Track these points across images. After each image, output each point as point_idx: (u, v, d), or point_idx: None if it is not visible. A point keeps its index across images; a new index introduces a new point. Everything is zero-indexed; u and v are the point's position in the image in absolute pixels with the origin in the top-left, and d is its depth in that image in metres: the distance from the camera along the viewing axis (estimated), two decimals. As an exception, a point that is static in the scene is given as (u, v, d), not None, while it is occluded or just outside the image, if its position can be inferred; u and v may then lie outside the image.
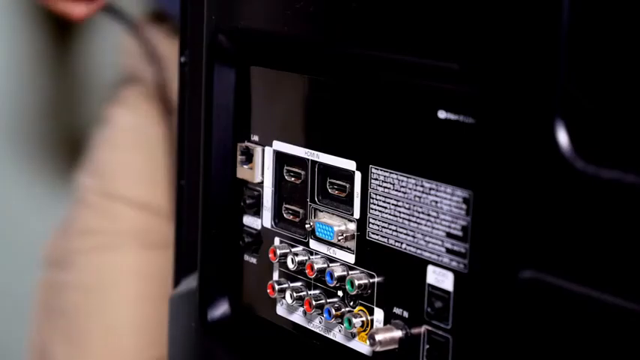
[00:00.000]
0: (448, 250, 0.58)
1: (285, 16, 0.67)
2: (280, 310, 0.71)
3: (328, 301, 0.66)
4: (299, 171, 0.69)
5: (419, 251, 0.60)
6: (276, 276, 0.71)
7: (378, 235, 0.63)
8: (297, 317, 0.70)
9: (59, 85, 1.61)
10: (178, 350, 0.92)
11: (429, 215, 0.59)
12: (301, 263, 0.68)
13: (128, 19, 1.16)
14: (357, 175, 0.64)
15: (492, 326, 0.55)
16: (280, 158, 0.70)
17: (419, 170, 0.60)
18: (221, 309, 0.76)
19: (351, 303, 0.65)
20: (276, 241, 0.71)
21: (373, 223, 0.63)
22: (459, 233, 0.57)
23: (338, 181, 0.66)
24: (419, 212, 0.60)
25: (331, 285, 0.65)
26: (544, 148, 0.51)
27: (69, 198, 1.34)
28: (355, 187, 0.64)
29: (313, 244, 0.68)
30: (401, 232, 0.61)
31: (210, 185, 0.74)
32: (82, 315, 1.19)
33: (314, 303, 0.66)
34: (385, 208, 0.62)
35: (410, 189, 0.60)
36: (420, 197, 0.60)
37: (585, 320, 0.51)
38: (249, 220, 0.73)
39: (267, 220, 0.71)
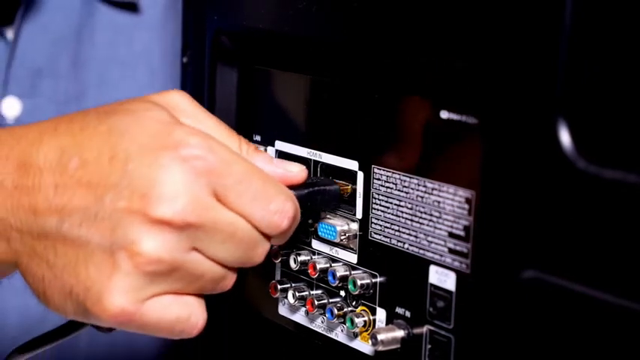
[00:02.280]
0: (450, 250, 0.58)
1: (288, 16, 0.67)
2: (282, 310, 0.71)
3: (330, 300, 0.66)
4: (301, 171, 0.69)
5: (421, 251, 0.60)
6: (278, 276, 0.71)
7: (380, 235, 0.63)
8: (300, 317, 0.70)
9: None
10: (179, 350, 0.92)
11: (431, 215, 0.59)
12: (304, 263, 0.68)
13: None
14: (360, 175, 0.64)
15: (494, 326, 0.55)
16: (282, 158, 0.70)
17: (421, 170, 0.60)
18: (221, 309, 0.76)
19: (354, 303, 0.65)
20: (279, 241, 0.71)
21: (375, 223, 0.63)
22: (462, 233, 0.57)
23: (340, 181, 0.66)
24: (421, 212, 0.60)
25: (333, 285, 0.65)
26: (546, 148, 0.51)
27: None
28: (358, 187, 0.64)
29: (316, 244, 0.68)
30: (403, 232, 0.61)
31: (212, 185, 0.73)
32: None
33: (316, 303, 0.66)
34: (388, 208, 0.62)
35: (412, 189, 0.60)
36: (422, 197, 0.60)
37: (587, 320, 0.51)
38: (251, 220, 0.73)
39: (269, 220, 0.71)
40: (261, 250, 0.60)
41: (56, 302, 0.59)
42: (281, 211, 0.59)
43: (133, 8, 1.00)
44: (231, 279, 0.61)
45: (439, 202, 0.59)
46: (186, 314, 0.59)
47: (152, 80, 1.00)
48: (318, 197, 0.65)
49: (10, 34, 0.98)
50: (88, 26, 0.99)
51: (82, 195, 0.57)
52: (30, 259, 0.59)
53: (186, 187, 0.57)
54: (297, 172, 0.64)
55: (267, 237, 0.60)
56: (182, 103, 0.62)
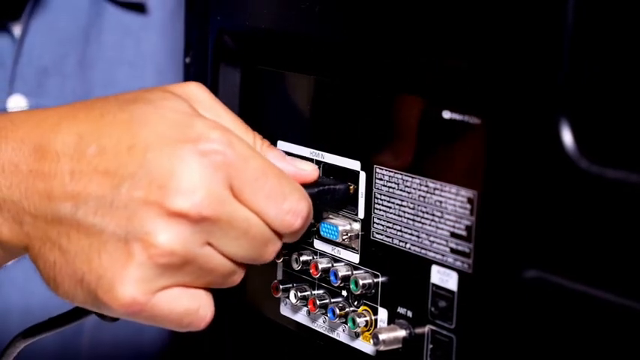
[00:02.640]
0: (452, 250, 0.58)
1: (291, 16, 0.67)
2: (284, 310, 0.71)
3: (332, 300, 0.66)
4: (304, 171, 0.69)
5: (423, 251, 0.60)
6: (280, 276, 0.71)
7: (382, 234, 0.63)
8: (301, 317, 0.70)
9: None
10: (182, 350, 0.92)
11: (433, 215, 0.59)
12: (306, 263, 0.68)
13: None
14: (362, 175, 0.64)
15: (496, 326, 0.55)
16: (285, 158, 0.70)
17: (423, 170, 0.60)
18: (223, 308, 0.76)
19: (355, 303, 0.65)
20: (281, 241, 0.71)
21: (378, 223, 0.63)
22: (464, 233, 0.57)
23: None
24: (423, 212, 0.60)
25: (335, 285, 0.65)
26: (549, 148, 0.51)
27: None
28: (360, 186, 0.64)
29: (318, 244, 0.68)
30: (405, 232, 0.61)
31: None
32: None
33: (318, 303, 0.66)
34: (390, 207, 0.62)
35: (414, 189, 0.60)
36: (424, 197, 0.60)
37: (589, 320, 0.51)
38: (253, 220, 0.73)
39: (271, 220, 0.71)
40: (272, 248, 0.60)
41: (66, 289, 0.58)
42: (294, 211, 0.59)
43: (140, 9, 1.00)
44: (240, 275, 0.61)
45: (441, 202, 0.59)
46: (195, 307, 0.59)
47: (159, 81, 1.00)
48: (328, 196, 0.65)
49: (17, 30, 0.98)
50: (96, 26, 0.99)
51: (98, 182, 0.57)
52: (42, 244, 0.59)
53: (204, 181, 0.57)
54: (310, 171, 0.64)
55: (280, 235, 0.60)
56: (200, 95, 0.62)
